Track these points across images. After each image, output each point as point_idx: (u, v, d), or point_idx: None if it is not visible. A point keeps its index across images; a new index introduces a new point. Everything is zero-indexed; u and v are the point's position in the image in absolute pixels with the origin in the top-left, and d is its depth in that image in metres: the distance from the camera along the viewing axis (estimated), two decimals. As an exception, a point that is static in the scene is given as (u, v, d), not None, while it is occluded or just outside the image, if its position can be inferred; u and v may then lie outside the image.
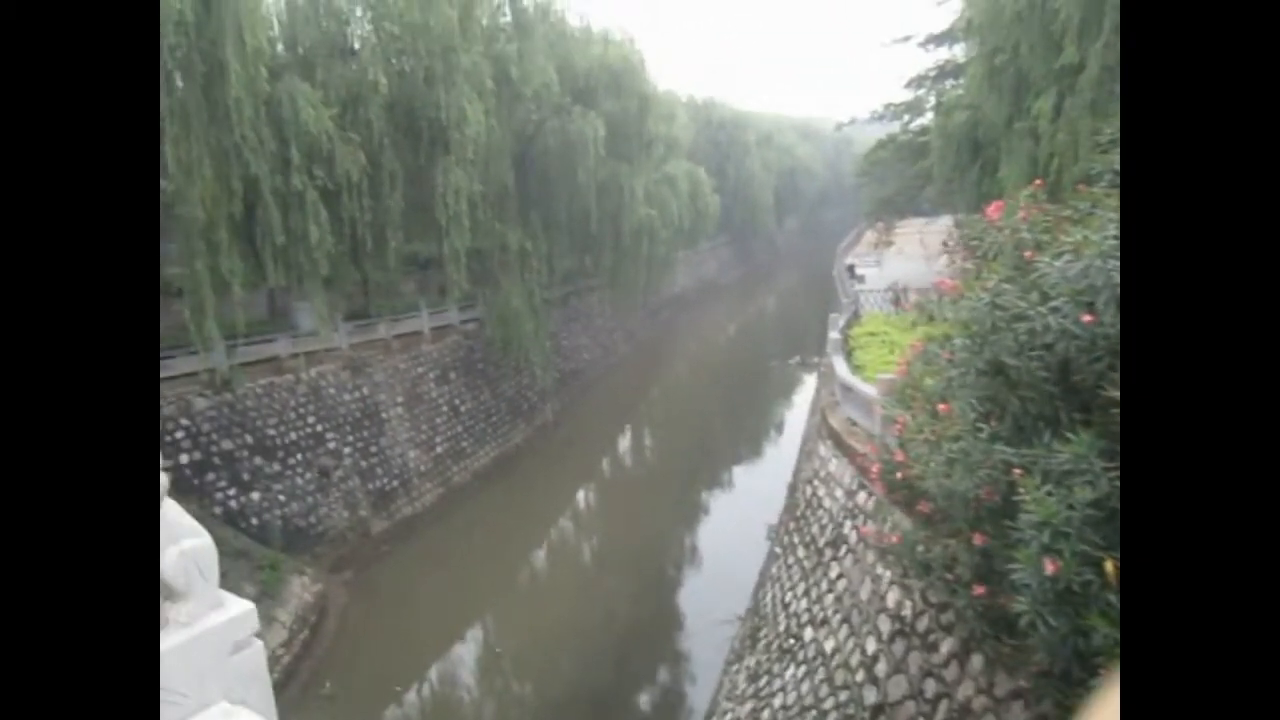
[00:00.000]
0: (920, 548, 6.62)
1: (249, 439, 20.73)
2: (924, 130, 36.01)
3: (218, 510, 19.30)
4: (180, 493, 18.64)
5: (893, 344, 18.54)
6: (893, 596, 10.02)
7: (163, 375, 19.54)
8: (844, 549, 11.97)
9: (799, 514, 14.68)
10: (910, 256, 53.02)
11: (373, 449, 23.71)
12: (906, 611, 9.59)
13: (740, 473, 29.00)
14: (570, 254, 32.61)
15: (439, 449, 26.17)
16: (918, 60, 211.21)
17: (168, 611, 1.98)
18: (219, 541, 13.91)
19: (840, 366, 15.14)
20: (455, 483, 26.27)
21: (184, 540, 1.96)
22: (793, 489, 17.82)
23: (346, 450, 22.89)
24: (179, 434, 19.47)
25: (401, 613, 19.38)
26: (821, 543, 12.83)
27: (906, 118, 38.38)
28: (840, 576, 11.70)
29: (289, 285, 21.52)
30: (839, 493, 12.89)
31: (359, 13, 22.30)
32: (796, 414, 34.89)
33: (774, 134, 73.06)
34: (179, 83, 16.22)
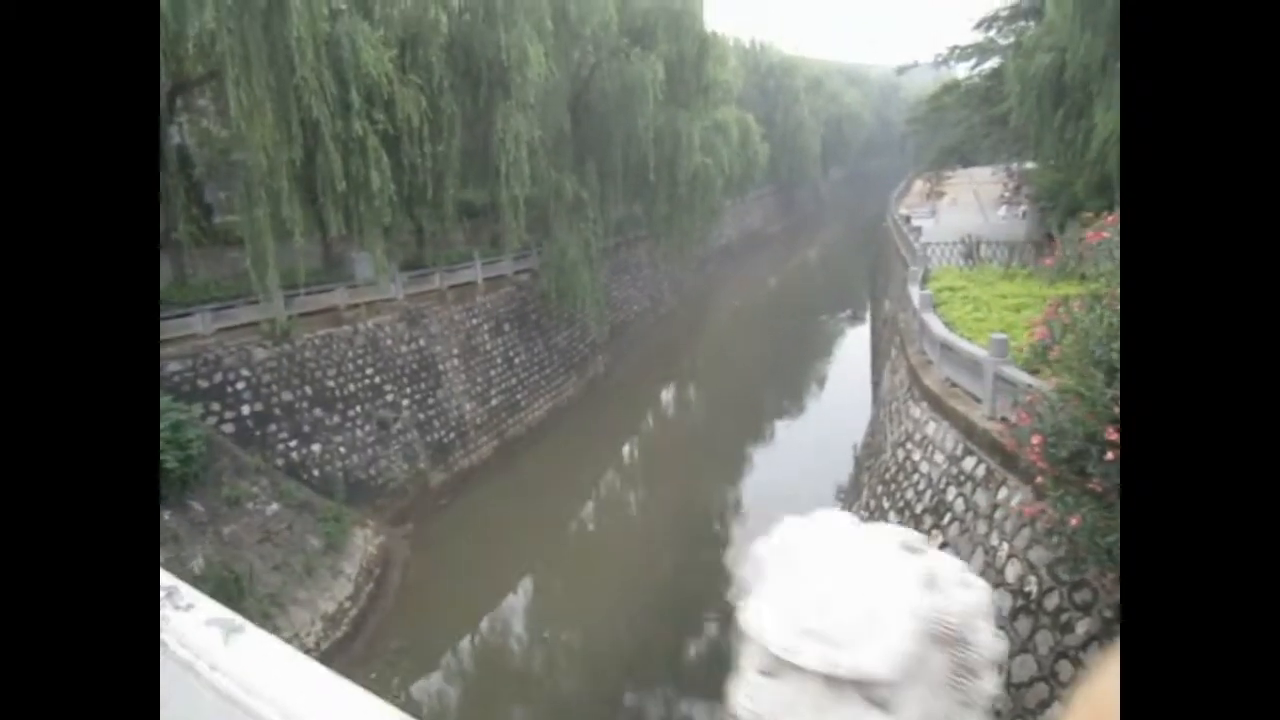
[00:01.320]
0: (1101, 535, 5.95)
1: (308, 390, 20.51)
2: (994, 74, 34.34)
3: (280, 462, 19.15)
4: (242, 444, 18.58)
5: (976, 299, 17.60)
6: (1012, 571, 9.42)
7: (223, 325, 19.33)
8: (948, 517, 11.37)
9: (887, 477, 14.07)
10: (965, 207, 51.49)
11: (430, 401, 23.43)
12: (1031, 587, 9.00)
13: (797, 430, 28.49)
14: (624, 202, 31.76)
15: (494, 401, 25.87)
16: (984, 1, 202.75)
17: None
18: (282, 494, 13.69)
19: (935, 324, 14.34)
20: (510, 435, 26.01)
21: None
22: (870, 450, 17.21)
23: (404, 402, 22.62)
24: (240, 385, 19.28)
25: (462, 566, 19.22)
26: (919, 509, 12.23)
27: (974, 61, 36.60)
28: (944, 546, 11.12)
29: (346, 234, 21.04)
30: (939, 457, 12.23)
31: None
32: (851, 369, 34.15)
33: (822, 80, 70.79)
34: (237, 21, 15.55)
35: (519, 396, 27.01)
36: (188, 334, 18.62)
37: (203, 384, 18.50)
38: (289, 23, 15.73)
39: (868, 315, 43.50)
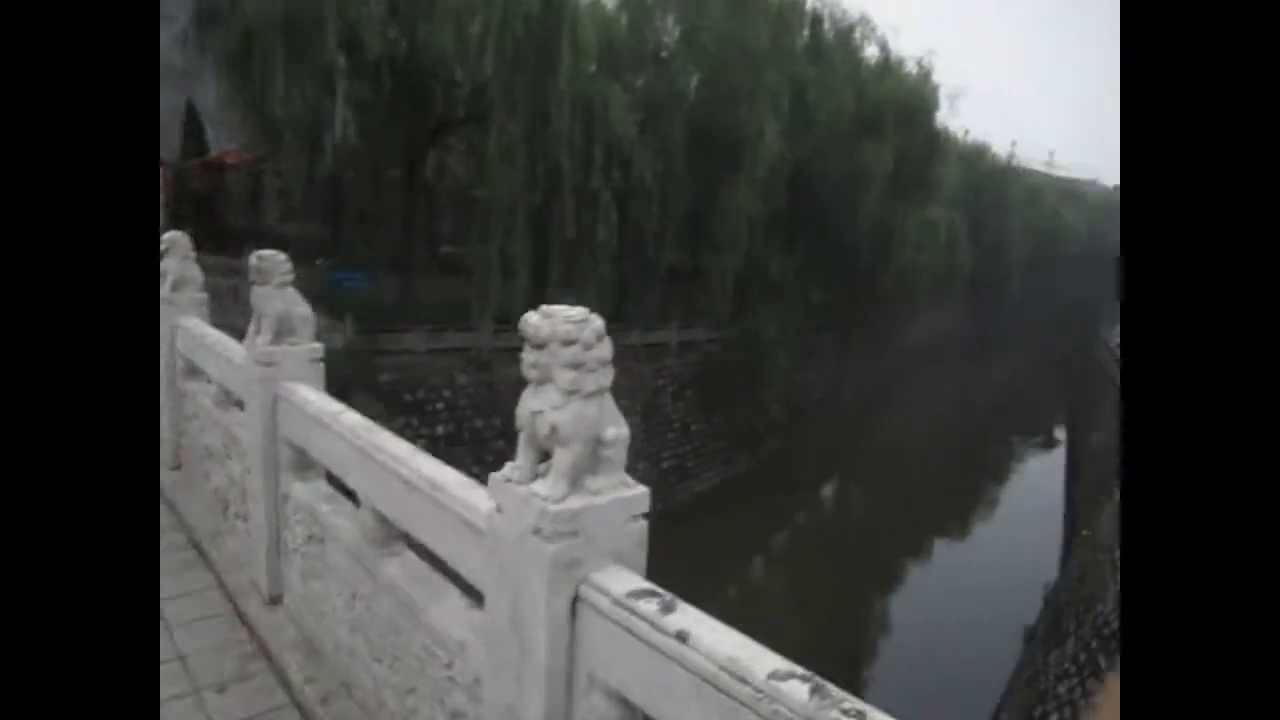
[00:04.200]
0: None
1: (498, 421, 21.12)
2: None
3: (467, 488, 19.70)
4: (433, 463, 19.24)
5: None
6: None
7: (435, 346, 20.35)
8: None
9: (1106, 633, 12.55)
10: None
11: (606, 454, 23.56)
12: None
13: (967, 553, 26.46)
14: (825, 289, 31.29)
15: (665, 464, 25.73)
16: None
17: (586, 481, 2.22)
18: None
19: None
20: (675, 501, 25.67)
21: (619, 425, 2.23)
22: (1076, 596, 15.55)
23: (583, 450, 22.86)
24: (439, 405, 20.14)
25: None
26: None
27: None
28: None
29: (564, 281, 21.85)
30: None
31: (669, 21, 22.32)
32: (1036, 500, 31.64)
33: (1039, 193, 67.86)
34: (510, 71, 16.64)
35: (690, 463, 26.75)
36: (403, 349, 19.74)
37: (407, 398, 19.47)
38: (556, 79, 16.68)
39: (1062, 446, 40.41)
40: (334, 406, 3.73)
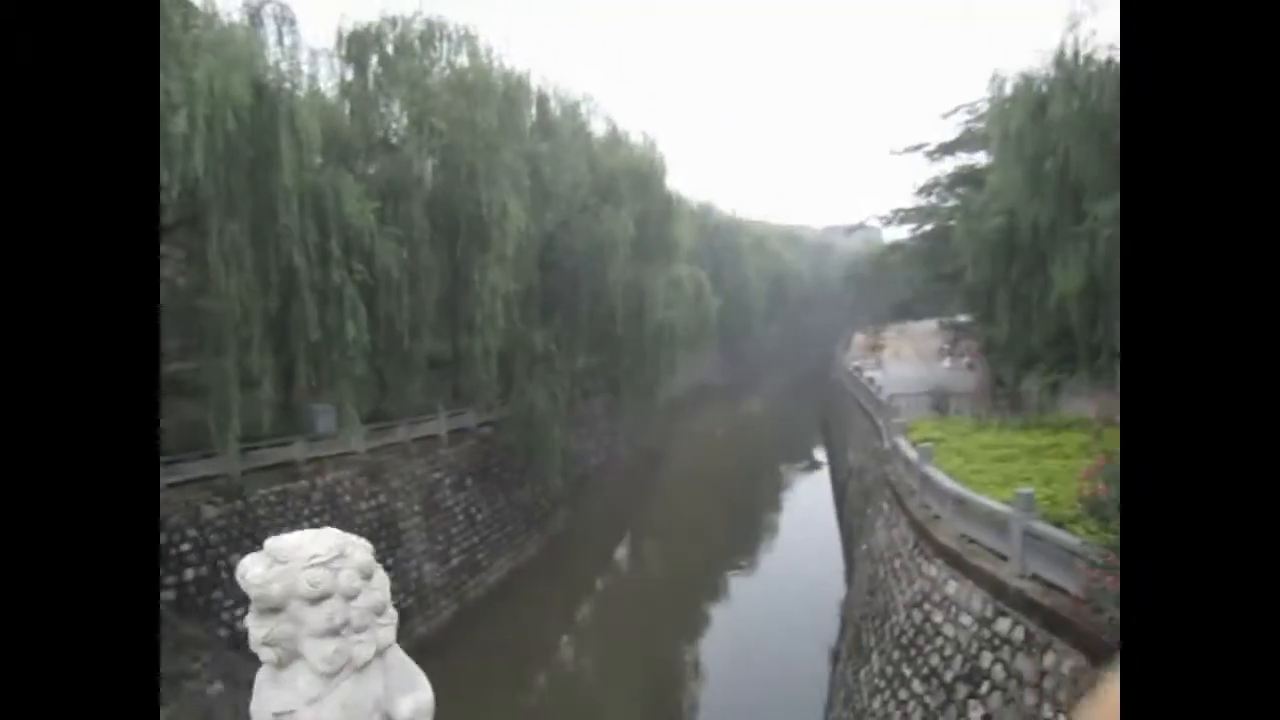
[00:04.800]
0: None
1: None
2: (933, 235, 36.15)
3: (223, 633, 17.31)
4: (183, 613, 16.81)
5: (961, 450, 17.52)
6: (1078, 750, 8.63)
7: (171, 481, 17.90)
8: (986, 685, 10.59)
9: (904, 641, 13.25)
10: (906, 359, 53.20)
11: (389, 562, 21.81)
12: None
13: (766, 585, 27.43)
14: (586, 355, 31.64)
15: (454, 561, 24.34)
16: (910, 168, 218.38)
17: None
18: (226, 674, 12.22)
19: (942, 478, 14.02)
20: (470, 598, 24.34)
21: (418, 690, 1.71)
22: (871, 611, 16.38)
23: (361, 565, 20.99)
24: (185, 546, 17.71)
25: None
26: (949, 678, 11.41)
27: (915, 224, 38.71)
28: (986, 717, 10.28)
29: (311, 385, 20.15)
30: (966, 619, 11.57)
31: (395, 108, 21.79)
32: (813, 521, 33.62)
33: (764, 240, 74.27)
34: (224, 168, 15.22)
35: (480, 556, 25.51)
36: (131, 491, 17.11)
37: (144, 547, 16.83)
38: (276, 172, 15.50)
39: (824, 466, 43.49)
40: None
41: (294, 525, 19.66)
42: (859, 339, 66.12)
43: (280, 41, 19.26)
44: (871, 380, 34.51)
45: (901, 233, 40.42)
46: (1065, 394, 25.12)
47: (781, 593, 25.78)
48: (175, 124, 13.65)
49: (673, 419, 55.20)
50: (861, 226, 50.22)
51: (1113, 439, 8.42)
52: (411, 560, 22.61)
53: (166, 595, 16.83)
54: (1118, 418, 8.11)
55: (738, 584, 27.66)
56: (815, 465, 45.00)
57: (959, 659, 11.44)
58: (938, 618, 12.43)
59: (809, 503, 37.87)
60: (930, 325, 59.49)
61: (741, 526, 34.55)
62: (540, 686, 21.64)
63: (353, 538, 1.56)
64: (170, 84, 13.54)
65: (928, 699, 11.79)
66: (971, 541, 12.35)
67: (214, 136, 14.32)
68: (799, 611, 23.72)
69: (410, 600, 21.92)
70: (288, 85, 17.06)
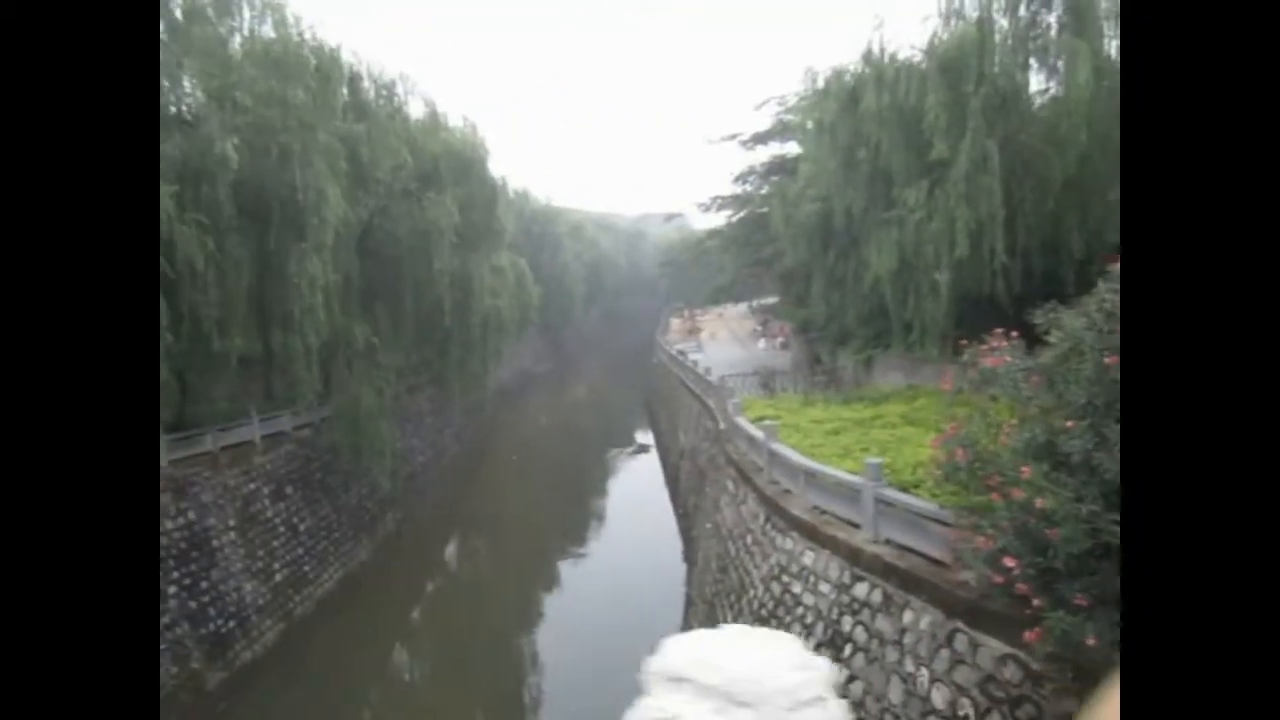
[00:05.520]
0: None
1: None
2: (748, 222, 37.56)
3: None
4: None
5: (795, 426, 18.20)
6: (940, 695, 9.15)
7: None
8: (849, 648, 11.04)
9: (764, 614, 13.59)
10: (723, 341, 55.30)
11: (203, 585, 19.74)
12: (967, 710, 8.73)
13: (611, 573, 27.48)
14: (411, 348, 30.15)
15: (278, 577, 22.45)
16: (725, 158, 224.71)
17: None
18: None
19: (792, 453, 14.47)
20: (298, 615, 22.59)
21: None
22: (724, 588, 16.72)
23: (171, 590, 18.82)
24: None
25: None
26: (812, 644, 11.79)
27: (731, 212, 40.00)
28: (852, 679, 10.71)
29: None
30: (825, 587, 12.01)
31: (186, 83, 19.52)
32: (649, 503, 34.09)
33: (581, 227, 74.30)
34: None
35: (306, 568, 23.73)
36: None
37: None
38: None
39: (652, 449, 44.24)
40: None
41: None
42: (675, 323, 67.98)
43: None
44: (696, 363, 35.44)
45: (719, 219, 41.71)
46: (879, 368, 26.91)
47: (621, 576, 25.93)
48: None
49: (500, 409, 54.31)
50: (680, 215, 51.38)
51: (962, 408, 8.95)
52: (229, 581, 20.59)
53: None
54: (967, 388, 8.60)
55: (573, 575, 27.54)
56: (643, 449, 45.68)
57: (820, 625, 11.87)
58: (797, 588, 12.83)
59: (641, 485, 38.38)
60: (743, 308, 62.30)
61: (575, 514, 34.52)
62: (375, 701, 20.51)
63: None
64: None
65: (793, 669, 12.14)
66: (824, 513, 12.84)
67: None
68: (641, 593, 23.94)
69: (230, 624, 19.98)
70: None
